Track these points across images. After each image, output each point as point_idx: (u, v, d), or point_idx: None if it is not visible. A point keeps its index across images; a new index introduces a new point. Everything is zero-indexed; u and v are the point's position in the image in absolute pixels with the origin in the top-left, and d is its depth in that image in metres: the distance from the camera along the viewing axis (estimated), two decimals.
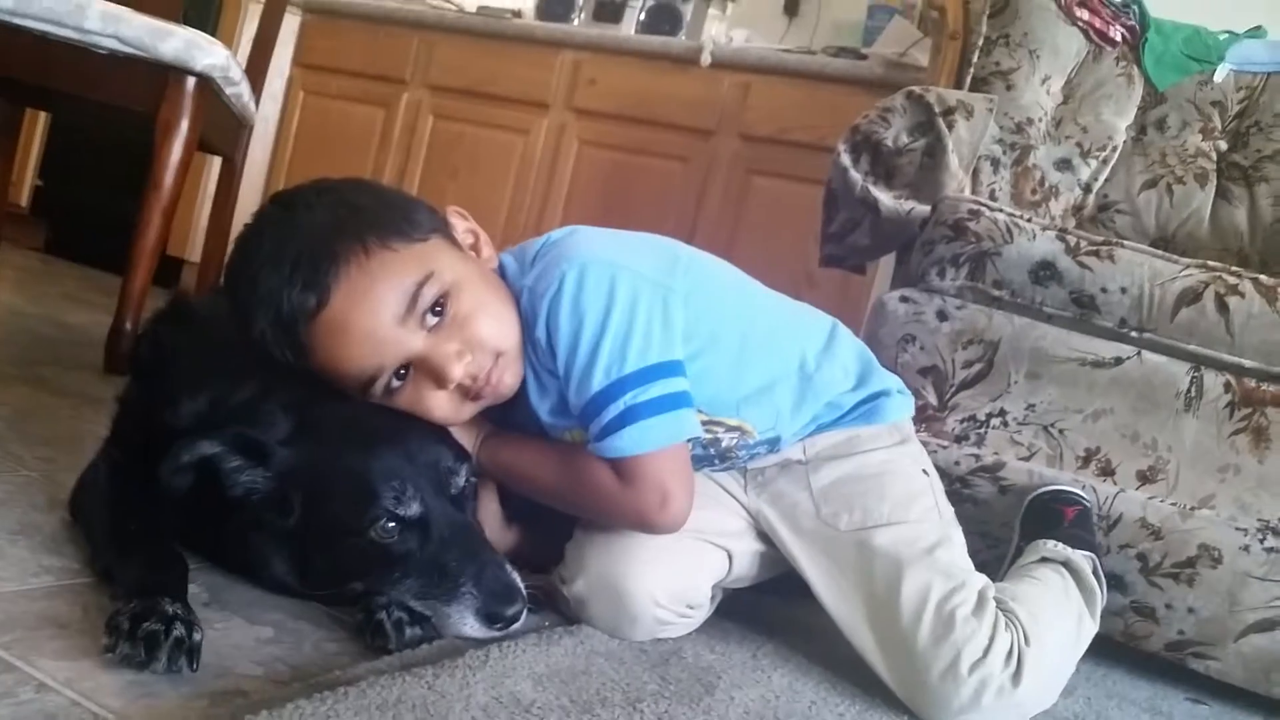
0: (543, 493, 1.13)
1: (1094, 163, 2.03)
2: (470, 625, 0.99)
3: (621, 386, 1.01)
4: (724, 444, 1.16)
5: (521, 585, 1.02)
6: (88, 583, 0.98)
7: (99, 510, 1.08)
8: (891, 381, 1.25)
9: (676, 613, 1.13)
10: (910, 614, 1.08)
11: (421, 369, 1.01)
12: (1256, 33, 2.06)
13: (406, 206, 1.06)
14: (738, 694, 1.02)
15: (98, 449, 1.18)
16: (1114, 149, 2.05)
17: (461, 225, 1.10)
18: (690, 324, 1.08)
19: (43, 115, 3.61)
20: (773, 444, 1.18)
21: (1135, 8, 2.08)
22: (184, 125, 1.93)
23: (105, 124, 3.10)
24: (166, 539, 1.03)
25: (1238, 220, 1.93)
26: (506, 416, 1.13)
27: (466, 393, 1.04)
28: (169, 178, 1.94)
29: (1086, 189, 2.03)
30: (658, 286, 1.06)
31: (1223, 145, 2.00)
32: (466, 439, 1.11)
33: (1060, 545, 1.27)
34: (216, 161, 2.67)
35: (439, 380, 1.01)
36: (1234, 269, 1.42)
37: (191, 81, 1.93)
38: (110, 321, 2.00)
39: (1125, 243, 1.45)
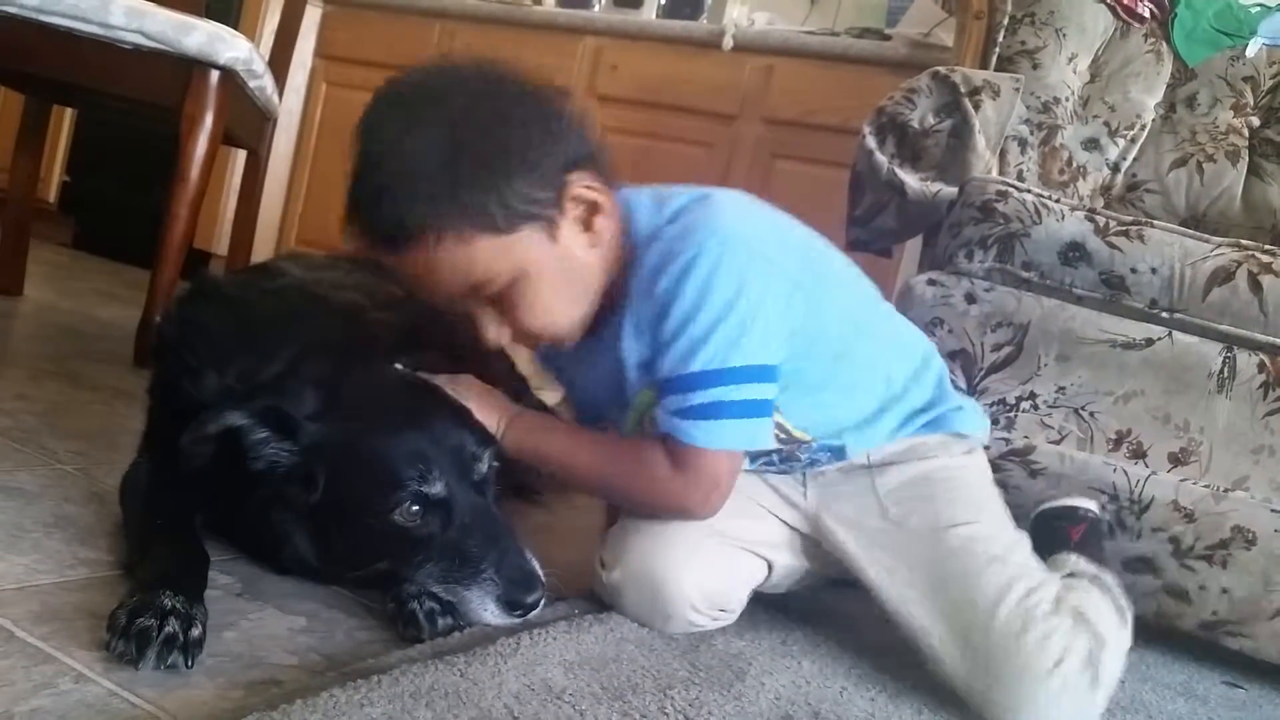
0: (577, 472, 1.12)
1: (1122, 141, 2.01)
2: (490, 611, 0.99)
3: (719, 377, 1.00)
4: (785, 449, 1.14)
5: (541, 573, 1.02)
6: (123, 575, 0.99)
7: (132, 507, 1.09)
8: (965, 401, 1.23)
9: (710, 615, 1.12)
10: (988, 608, 1.04)
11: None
12: None
13: (520, 166, 0.97)
14: (768, 680, 1.02)
15: (138, 444, 1.19)
16: (1142, 127, 2.02)
17: (579, 201, 1.01)
18: (798, 323, 1.05)
19: (69, 111, 3.63)
20: (837, 452, 1.15)
21: None
22: (209, 119, 1.94)
23: (131, 119, 3.12)
24: (191, 534, 1.03)
25: (1271, 198, 1.90)
26: (584, 356, 1.11)
27: (513, 339, 1.06)
28: (195, 171, 1.95)
29: (1115, 168, 2.01)
30: (786, 282, 1.04)
31: (1255, 121, 1.97)
32: (491, 419, 1.09)
33: (1083, 560, 1.23)
34: (241, 155, 2.69)
35: (481, 339, 1.04)
36: (1267, 247, 1.39)
37: (215, 75, 1.94)
38: (139, 315, 2.02)
39: (1155, 222, 1.43)
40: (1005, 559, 1.09)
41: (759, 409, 1.02)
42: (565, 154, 1.00)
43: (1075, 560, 1.23)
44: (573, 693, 0.89)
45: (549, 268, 1.00)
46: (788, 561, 1.18)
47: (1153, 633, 1.45)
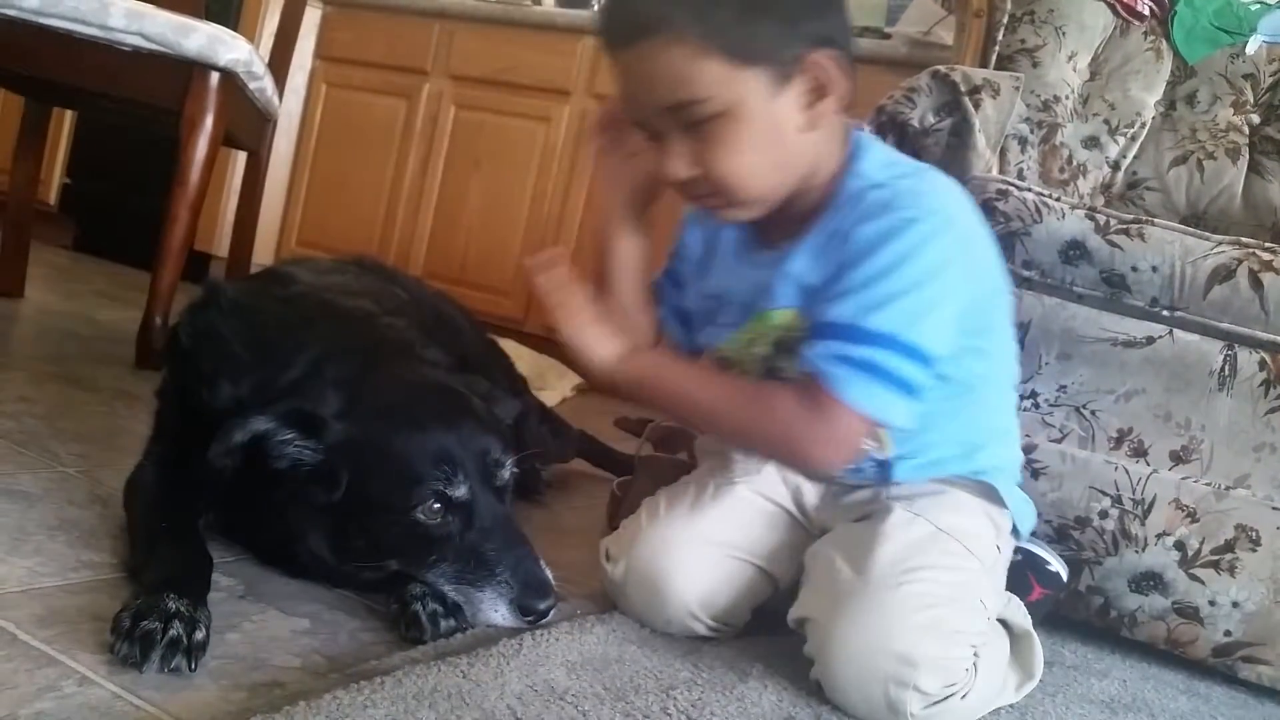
0: (702, 408, 1.07)
1: (1122, 139, 2.01)
2: (502, 614, 1.01)
3: (890, 342, 0.96)
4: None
5: (553, 582, 1.04)
6: (126, 577, 0.99)
7: (135, 509, 1.10)
8: (1021, 494, 1.18)
9: (707, 624, 1.11)
10: (910, 605, 0.97)
11: (660, 147, 1.01)
12: None
13: (780, 9, 0.96)
14: (770, 682, 1.02)
15: (144, 446, 1.19)
16: (1142, 125, 2.02)
17: (814, 75, 0.98)
18: (964, 337, 1.03)
19: (69, 113, 3.64)
20: (883, 468, 1.11)
21: None
22: (209, 121, 1.94)
23: (131, 121, 3.12)
24: (195, 536, 1.03)
25: (1271, 195, 1.90)
26: (736, 253, 1.11)
27: (683, 192, 1.04)
28: (195, 173, 1.96)
29: (1115, 166, 2.01)
30: (972, 293, 1.02)
31: (1255, 119, 1.97)
32: (606, 349, 1.05)
33: (1022, 612, 1.14)
34: (241, 156, 2.69)
35: (661, 170, 1.01)
36: (1268, 245, 1.39)
37: (215, 77, 1.94)
38: (140, 317, 2.02)
39: (1155, 220, 1.43)
40: (966, 586, 1.02)
41: (908, 389, 0.97)
42: (824, 29, 0.99)
43: (1018, 608, 1.14)
44: (575, 693, 0.89)
45: (760, 120, 0.98)
46: (792, 574, 1.14)
47: (1163, 658, 1.44)
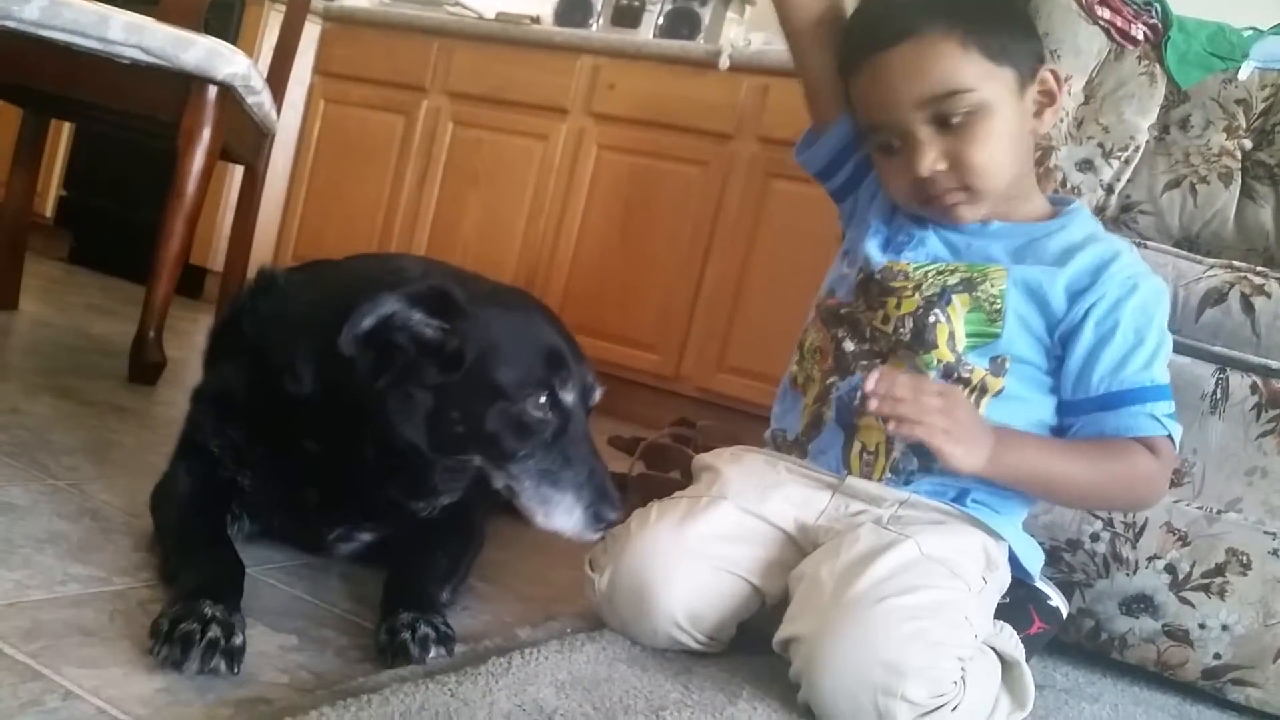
0: (1070, 483, 1.13)
1: (1116, 163, 2.01)
2: (576, 517, 1.06)
3: (1166, 391, 1.12)
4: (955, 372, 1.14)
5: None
6: (115, 590, 0.99)
7: (168, 517, 1.11)
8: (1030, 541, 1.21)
9: (693, 636, 1.11)
10: (900, 618, 0.98)
11: (907, 148, 1.12)
12: None
13: (1024, 22, 1.18)
14: (760, 705, 1.02)
15: (174, 452, 1.19)
16: (1136, 149, 2.03)
17: (1045, 84, 1.15)
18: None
19: (66, 125, 3.64)
20: (924, 460, 1.12)
21: (1157, 6, 2.06)
22: (206, 134, 1.95)
23: (128, 134, 3.13)
24: (227, 543, 1.05)
25: (1263, 219, 1.91)
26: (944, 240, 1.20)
27: (920, 192, 1.14)
28: (191, 187, 1.96)
29: (1109, 189, 2.02)
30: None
31: (1247, 144, 1.98)
32: (987, 441, 1.05)
33: (1015, 639, 1.13)
34: (239, 170, 2.69)
35: (909, 166, 1.12)
36: (1260, 269, 1.40)
37: (213, 90, 1.94)
38: (134, 331, 2.02)
39: (1149, 243, 1.44)
40: (956, 602, 1.02)
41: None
42: (1039, 45, 1.18)
43: (1010, 637, 1.13)
44: (564, 713, 0.89)
45: (1010, 115, 1.12)
46: (779, 590, 1.14)
47: (1154, 681, 1.44)
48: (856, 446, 1.16)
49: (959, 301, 1.13)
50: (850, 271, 1.24)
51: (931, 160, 1.11)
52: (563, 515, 1.06)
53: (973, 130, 1.10)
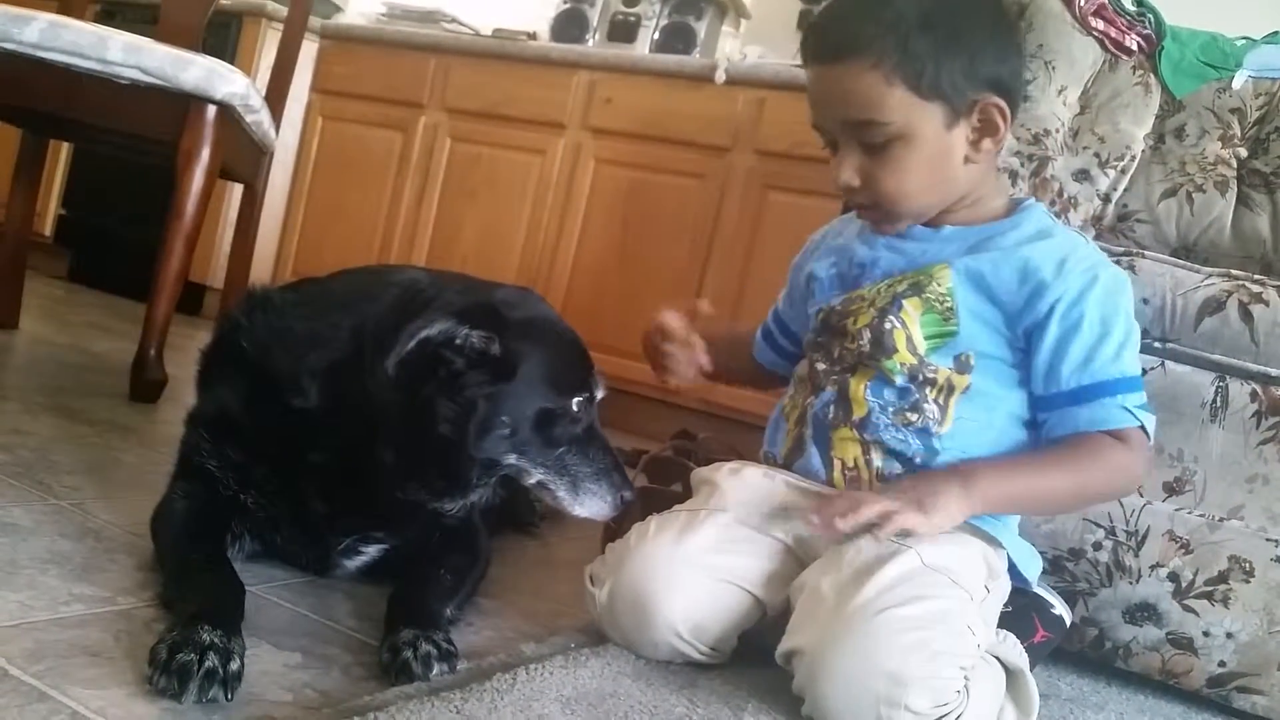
0: (1055, 496, 1.16)
1: (1112, 173, 2.02)
2: (606, 502, 1.17)
3: (1137, 382, 1.13)
4: (914, 380, 1.15)
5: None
6: (119, 610, 0.99)
7: (166, 541, 1.11)
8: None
9: (696, 649, 1.11)
10: (896, 627, 0.97)
11: (834, 154, 1.16)
12: (1274, 38, 2.05)
13: (965, 55, 1.11)
14: (765, 718, 1.02)
15: (171, 475, 1.19)
16: (1132, 158, 2.03)
17: (985, 116, 1.13)
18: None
19: (66, 145, 3.65)
20: (925, 439, 1.13)
21: (1151, 16, 2.07)
22: (205, 153, 1.95)
23: (127, 153, 3.14)
24: (226, 565, 1.05)
25: (1260, 227, 1.92)
26: (882, 245, 1.22)
27: (848, 196, 1.18)
28: (191, 205, 1.96)
29: (1105, 199, 2.02)
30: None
31: (1243, 152, 1.99)
32: (970, 496, 1.06)
33: (1018, 649, 1.14)
34: (238, 188, 2.70)
35: (833, 175, 1.16)
36: (1257, 277, 1.40)
37: (212, 110, 1.95)
38: (134, 349, 2.02)
39: (1146, 253, 1.44)
40: (956, 613, 1.01)
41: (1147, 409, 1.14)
42: (1001, 72, 1.14)
43: (1013, 646, 1.14)
44: None
45: (930, 148, 1.12)
46: (780, 601, 1.14)
47: (1159, 689, 1.44)
48: (837, 465, 1.17)
49: (910, 305, 1.15)
50: (812, 313, 1.27)
51: (846, 175, 1.14)
52: (596, 502, 1.16)
53: (888, 155, 1.12)
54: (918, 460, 1.13)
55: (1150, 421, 1.13)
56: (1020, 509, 1.18)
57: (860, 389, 1.16)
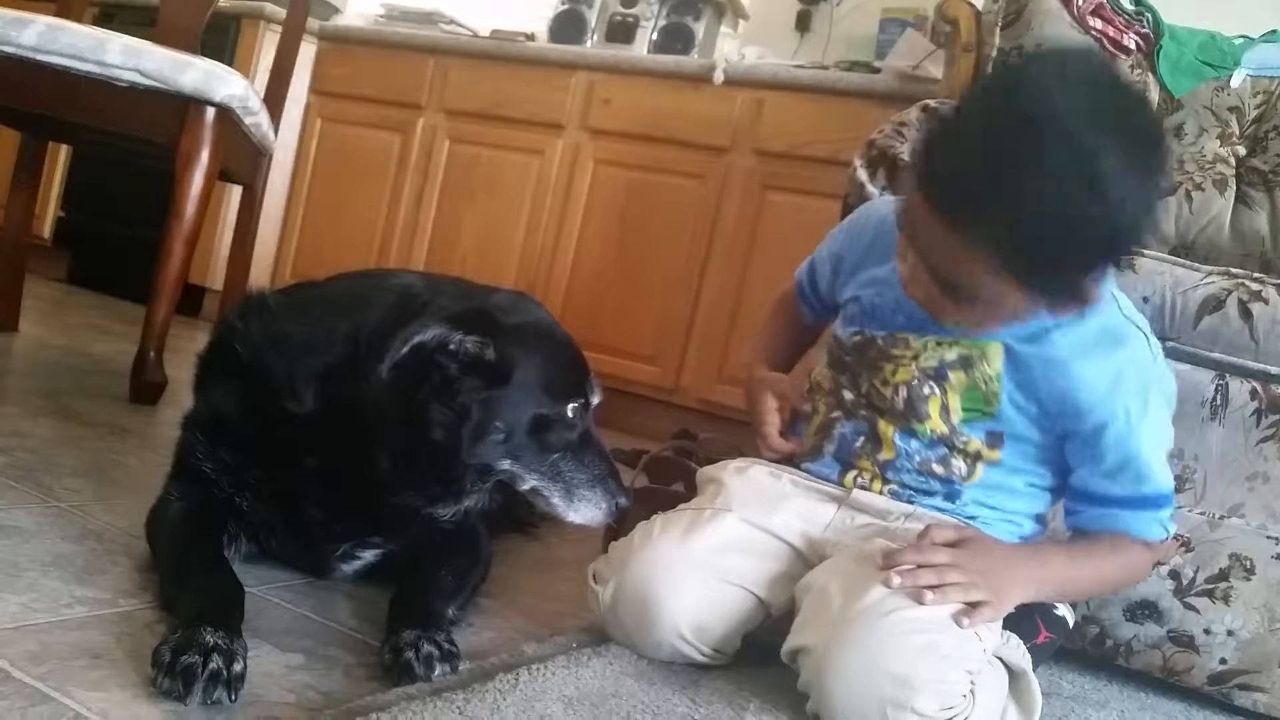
0: (1082, 589, 1.22)
1: None
2: (601, 509, 1.17)
3: (1168, 498, 1.13)
4: (945, 467, 1.15)
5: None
6: (121, 612, 0.99)
7: (163, 543, 1.11)
8: None
9: (699, 649, 1.11)
10: (903, 631, 0.97)
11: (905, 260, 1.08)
12: (1272, 37, 2.05)
13: (1091, 272, 0.99)
14: (768, 717, 1.02)
15: (167, 477, 1.19)
16: None
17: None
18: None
19: (64, 147, 3.65)
20: (949, 486, 1.15)
21: (1149, 15, 2.07)
22: (204, 155, 1.95)
23: (126, 155, 3.14)
24: (225, 567, 1.05)
25: (1259, 225, 1.92)
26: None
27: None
28: (190, 207, 1.96)
29: None
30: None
31: (1241, 150, 1.99)
32: (1023, 593, 1.07)
33: (1021, 650, 1.12)
34: (237, 190, 2.70)
35: (902, 279, 1.10)
36: (1256, 275, 1.41)
37: (211, 112, 1.95)
38: (134, 351, 2.02)
39: (1146, 251, 1.44)
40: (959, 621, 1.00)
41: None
42: (1106, 264, 1.01)
43: (1016, 647, 1.12)
44: None
45: (1005, 313, 1.05)
46: (784, 602, 1.14)
47: (1160, 687, 1.44)
48: (852, 474, 1.18)
49: (955, 379, 1.13)
50: (846, 331, 1.23)
51: (915, 291, 1.08)
52: (590, 509, 1.16)
53: (965, 302, 1.04)
54: (939, 497, 1.15)
55: (1172, 531, 1.15)
56: (1057, 595, 1.17)
57: (890, 432, 1.16)
